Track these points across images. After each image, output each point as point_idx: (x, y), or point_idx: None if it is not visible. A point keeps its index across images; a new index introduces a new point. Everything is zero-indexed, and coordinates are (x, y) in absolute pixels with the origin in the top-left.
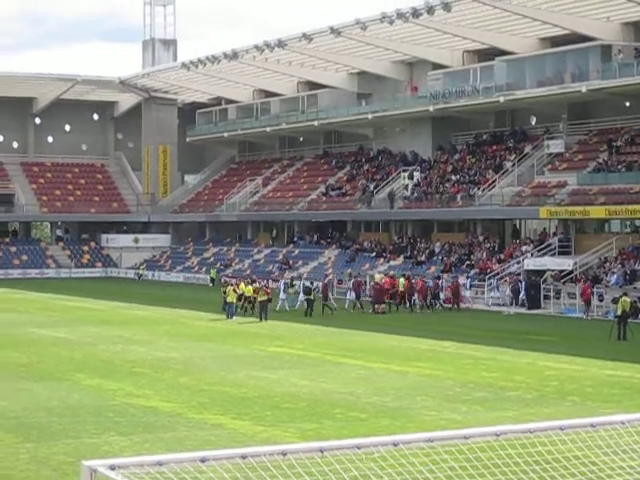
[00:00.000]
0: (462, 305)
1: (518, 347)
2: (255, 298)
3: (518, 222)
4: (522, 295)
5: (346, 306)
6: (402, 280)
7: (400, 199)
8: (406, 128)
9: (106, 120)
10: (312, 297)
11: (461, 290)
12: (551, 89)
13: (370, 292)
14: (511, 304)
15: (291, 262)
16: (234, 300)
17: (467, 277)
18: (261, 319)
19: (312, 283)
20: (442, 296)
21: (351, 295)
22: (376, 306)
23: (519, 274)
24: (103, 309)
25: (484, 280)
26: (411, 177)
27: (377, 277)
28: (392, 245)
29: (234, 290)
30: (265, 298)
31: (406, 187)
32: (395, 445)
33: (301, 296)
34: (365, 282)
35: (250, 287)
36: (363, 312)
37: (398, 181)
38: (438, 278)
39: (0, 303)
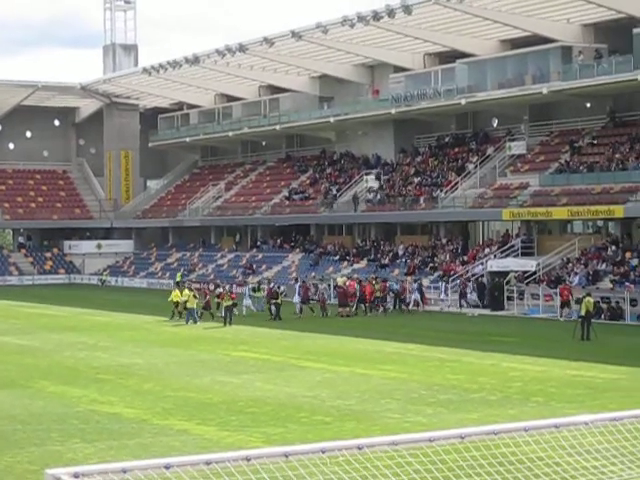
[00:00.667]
0: (425, 307)
1: (482, 349)
2: (185, 303)
3: (481, 224)
4: (471, 296)
5: (296, 310)
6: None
7: (363, 202)
8: (368, 131)
9: (68, 126)
10: (279, 301)
11: (424, 292)
12: (512, 91)
13: (334, 295)
14: (461, 306)
15: (255, 266)
16: (194, 305)
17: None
18: (225, 324)
19: (279, 287)
20: (409, 299)
21: (296, 299)
22: (340, 309)
23: (481, 276)
24: (67, 316)
25: (447, 282)
26: (378, 178)
27: (340, 280)
28: (356, 248)
29: (194, 296)
30: (230, 303)
31: (369, 190)
32: (360, 449)
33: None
34: (314, 285)
35: (183, 292)
36: (314, 315)
37: (361, 184)
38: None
39: None
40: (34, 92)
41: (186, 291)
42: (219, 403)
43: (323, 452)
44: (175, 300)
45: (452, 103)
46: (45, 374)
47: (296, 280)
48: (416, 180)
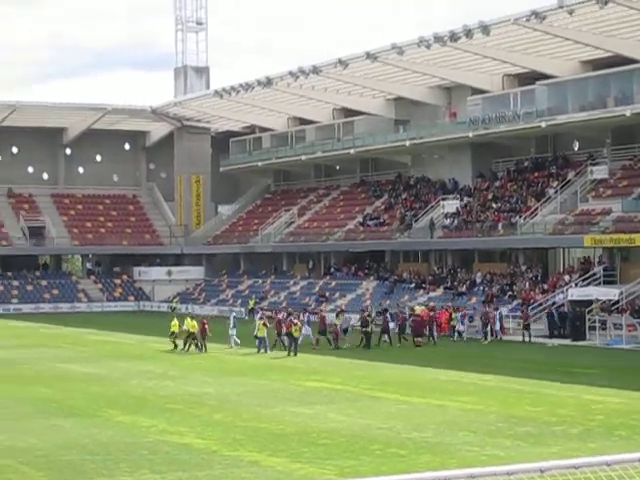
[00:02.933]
0: (503, 336)
1: (563, 380)
2: (194, 333)
3: (561, 251)
4: (537, 326)
5: (312, 341)
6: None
7: (440, 228)
8: (445, 155)
9: (138, 150)
10: (369, 330)
11: (503, 322)
12: (594, 113)
13: (409, 324)
14: (550, 336)
15: (328, 294)
16: (264, 334)
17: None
18: (289, 353)
19: (369, 315)
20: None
21: (305, 330)
22: (416, 339)
23: (562, 305)
24: (134, 344)
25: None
26: (456, 204)
27: (417, 309)
28: (432, 276)
29: (264, 324)
30: (299, 333)
31: (446, 216)
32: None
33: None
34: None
35: (194, 322)
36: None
37: (437, 210)
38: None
39: (31, 338)
40: (104, 115)
41: (189, 320)
42: (291, 434)
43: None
44: (173, 330)
45: (532, 126)
46: (113, 403)
47: (304, 310)
48: (494, 205)
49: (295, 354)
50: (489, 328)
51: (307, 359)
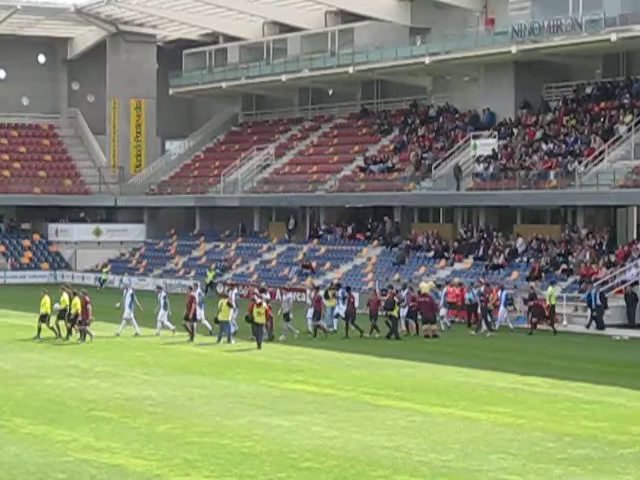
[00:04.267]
0: (556, 326)
1: (635, 386)
2: (76, 313)
3: (636, 210)
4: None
5: (309, 328)
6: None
7: (469, 177)
8: (478, 77)
9: (56, 64)
10: (395, 313)
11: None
12: None
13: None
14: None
15: (315, 265)
16: (229, 318)
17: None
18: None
19: (396, 292)
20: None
21: (309, 313)
22: (424, 327)
23: (635, 284)
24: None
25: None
26: (492, 143)
27: (425, 287)
28: (457, 241)
29: (228, 304)
30: (263, 319)
31: (478, 160)
32: None
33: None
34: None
35: (76, 298)
36: (326, 336)
37: (467, 152)
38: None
39: None
40: (10, 16)
41: (65, 297)
42: (262, 454)
43: None
44: (44, 311)
45: (598, 39)
46: (20, 409)
47: (313, 288)
48: (545, 147)
49: (259, 346)
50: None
51: (286, 352)
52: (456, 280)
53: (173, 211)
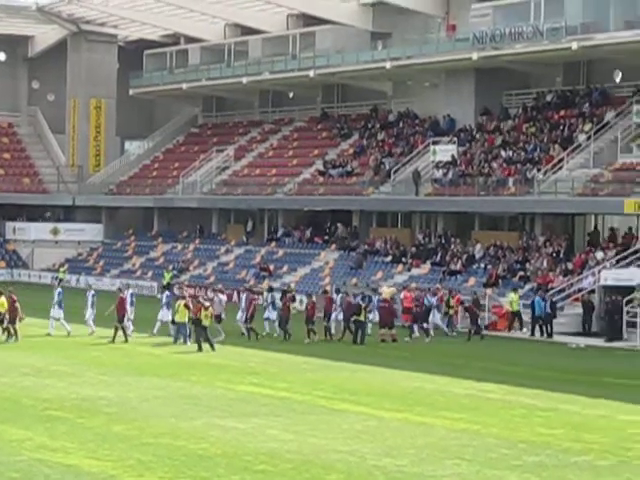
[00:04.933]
0: (517, 333)
1: (590, 394)
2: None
3: (593, 218)
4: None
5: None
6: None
7: (428, 182)
8: (439, 83)
9: (17, 62)
10: (363, 319)
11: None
12: None
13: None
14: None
15: (272, 268)
16: (185, 319)
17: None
18: (206, 347)
19: (363, 297)
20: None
21: (240, 316)
22: (381, 331)
23: (591, 292)
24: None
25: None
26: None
27: (387, 292)
28: (415, 246)
29: (185, 305)
30: (209, 321)
31: (437, 166)
32: None
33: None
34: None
35: (2, 299)
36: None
37: (426, 157)
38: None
39: None
40: None
41: (2, 298)
42: (217, 456)
43: None
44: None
45: (559, 47)
46: None
47: (244, 290)
48: (504, 154)
49: (211, 347)
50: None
51: (242, 354)
52: (413, 285)
53: (131, 211)
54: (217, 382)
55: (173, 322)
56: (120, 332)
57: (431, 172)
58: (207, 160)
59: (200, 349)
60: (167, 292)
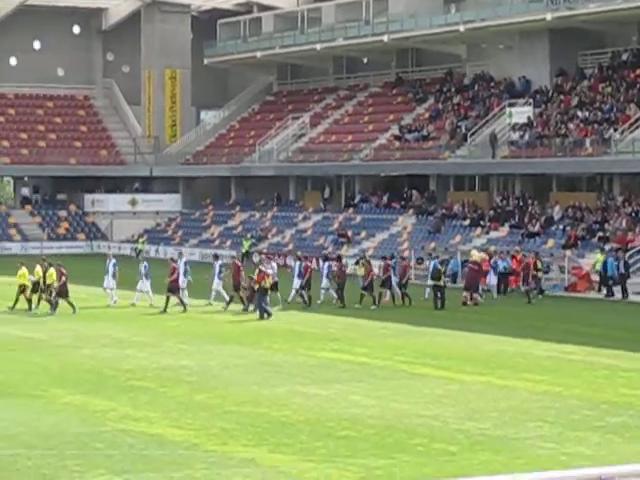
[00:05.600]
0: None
1: None
2: (49, 285)
3: None
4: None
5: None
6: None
7: (505, 145)
8: (513, 45)
9: (91, 34)
10: (442, 283)
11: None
12: None
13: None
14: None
15: (350, 234)
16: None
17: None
18: (258, 313)
19: (442, 262)
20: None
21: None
22: (465, 294)
23: None
24: (87, 298)
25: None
26: (527, 111)
27: (477, 255)
28: (493, 209)
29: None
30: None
31: (514, 128)
32: None
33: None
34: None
35: (51, 269)
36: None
37: (502, 120)
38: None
39: None
40: None
41: (51, 270)
42: (299, 423)
43: None
44: (21, 283)
45: (633, 6)
46: (58, 379)
47: (298, 258)
48: (580, 114)
49: (267, 314)
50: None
51: (322, 321)
52: (492, 248)
53: (208, 181)
54: (298, 349)
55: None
56: (176, 300)
57: (507, 134)
58: (283, 128)
59: (262, 317)
60: (184, 259)
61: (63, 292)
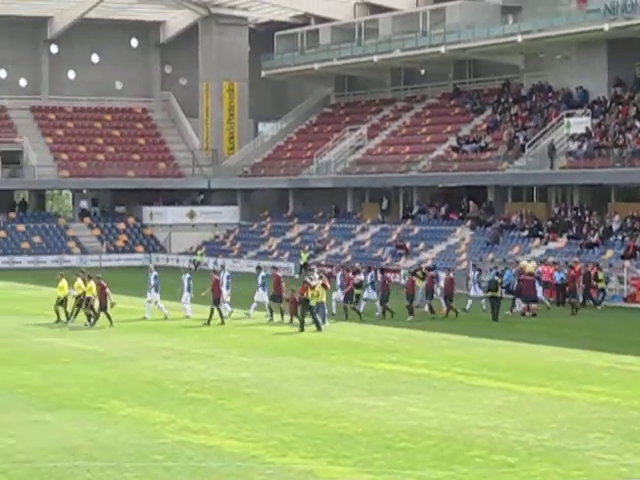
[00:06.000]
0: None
1: None
2: (89, 298)
3: None
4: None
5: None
6: None
7: (563, 155)
8: (571, 55)
9: (149, 47)
10: (499, 294)
11: None
12: None
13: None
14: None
15: (409, 245)
16: (324, 299)
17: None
18: (318, 327)
19: (499, 274)
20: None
21: (370, 294)
22: (523, 306)
23: None
24: (145, 311)
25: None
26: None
27: (528, 266)
28: (551, 220)
29: (324, 285)
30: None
31: (572, 138)
32: None
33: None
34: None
35: (91, 282)
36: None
37: (560, 130)
38: None
39: (3, 303)
40: (103, 0)
41: (91, 283)
42: (358, 434)
43: None
44: (61, 295)
45: None
46: (117, 391)
47: (369, 268)
48: (639, 124)
49: (318, 328)
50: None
51: (380, 332)
52: (550, 259)
53: (266, 193)
54: (356, 361)
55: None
56: (216, 314)
57: (565, 145)
58: (340, 139)
59: (302, 329)
60: (227, 273)
61: (103, 305)
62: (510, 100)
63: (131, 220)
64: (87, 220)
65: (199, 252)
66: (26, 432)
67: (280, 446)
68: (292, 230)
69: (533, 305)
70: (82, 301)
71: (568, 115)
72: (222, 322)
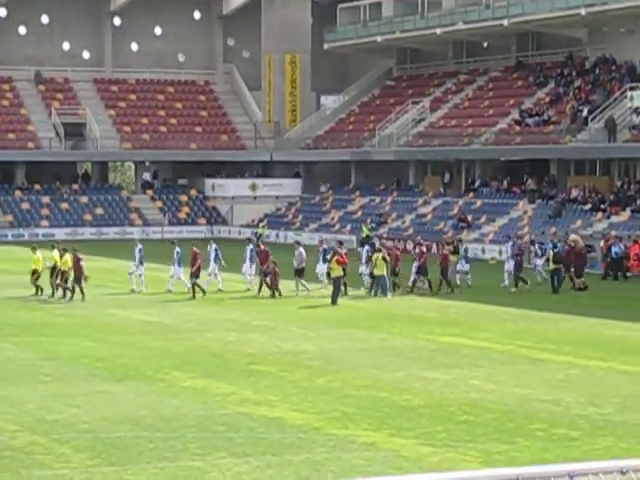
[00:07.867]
0: None
1: None
2: (64, 271)
3: None
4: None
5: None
6: None
7: (626, 129)
8: (635, 28)
9: (212, 20)
10: (560, 267)
11: None
12: None
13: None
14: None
15: (471, 218)
16: (383, 271)
17: None
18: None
19: (555, 247)
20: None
21: (320, 267)
22: (578, 280)
23: None
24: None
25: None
26: None
27: (579, 240)
28: (614, 194)
29: (383, 258)
30: (337, 272)
31: (635, 111)
32: (623, 473)
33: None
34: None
35: (66, 255)
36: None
37: (623, 103)
38: None
39: None
40: None
41: (66, 256)
42: (420, 407)
43: (571, 477)
44: (35, 268)
45: None
46: (180, 363)
47: (417, 243)
48: None
49: (333, 302)
50: None
51: (442, 306)
52: (612, 233)
53: (328, 166)
54: (418, 333)
55: (372, 275)
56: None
57: (629, 119)
58: (403, 112)
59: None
60: (250, 246)
61: (77, 277)
62: (573, 73)
63: (193, 192)
64: (149, 192)
65: (261, 224)
66: (90, 402)
67: (342, 418)
68: (354, 203)
69: (582, 278)
70: (56, 273)
71: (631, 88)
72: (204, 293)
